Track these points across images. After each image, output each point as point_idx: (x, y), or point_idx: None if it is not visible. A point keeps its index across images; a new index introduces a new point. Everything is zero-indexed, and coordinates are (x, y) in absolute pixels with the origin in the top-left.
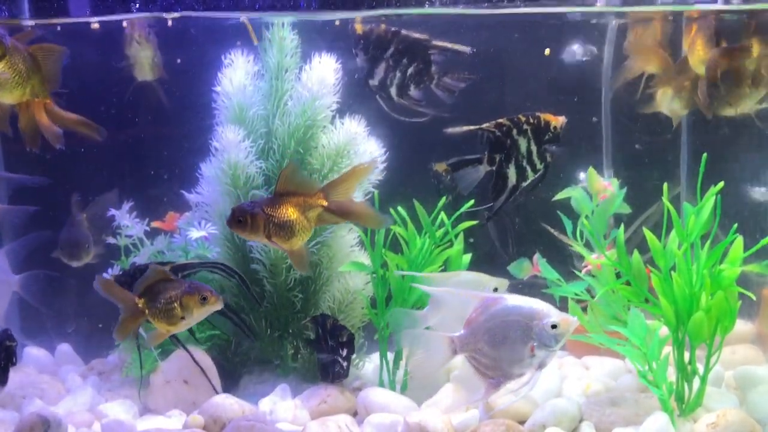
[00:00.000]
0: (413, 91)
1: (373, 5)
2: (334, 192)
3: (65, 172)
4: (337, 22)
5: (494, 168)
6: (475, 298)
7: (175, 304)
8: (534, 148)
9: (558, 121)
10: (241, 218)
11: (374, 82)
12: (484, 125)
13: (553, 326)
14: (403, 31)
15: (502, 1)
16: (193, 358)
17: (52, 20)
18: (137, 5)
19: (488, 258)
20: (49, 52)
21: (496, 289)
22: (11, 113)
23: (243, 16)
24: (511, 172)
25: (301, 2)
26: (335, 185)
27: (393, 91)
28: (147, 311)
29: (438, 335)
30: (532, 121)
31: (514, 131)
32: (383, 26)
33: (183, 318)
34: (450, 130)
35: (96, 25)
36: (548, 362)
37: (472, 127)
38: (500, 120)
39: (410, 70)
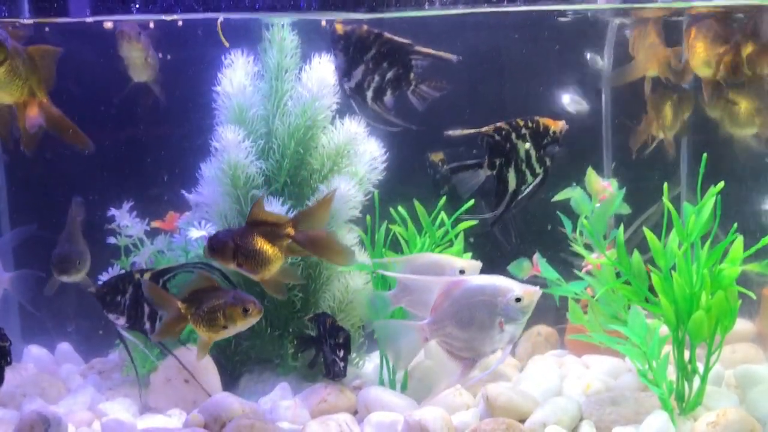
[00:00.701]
0: (388, 97)
1: (373, 6)
2: (305, 222)
3: (64, 172)
4: (323, 22)
5: (494, 172)
6: (437, 283)
7: (219, 314)
8: (533, 152)
9: (558, 125)
10: (213, 247)
11: (350, 84)
12: (483, 129)
13: (518, 299)
14: (386, 34)
15: (502, 1)
16: (181, 363)
17: (51, 20)
18: (137, 5)
19: (488, 258)
20: (46, 53)
21: (462, 271)
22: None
23: (220, 17)
24: (511, 177)
25: (301, 2)
26: (305, 215)
27: (369, 94)
28: (190, 317)
29: (407, 324)
30: (531, 125)
31: (513, 135)
32: (365, 27)
33: (225, 327)
34: (450, 132)
35: (109, 24)
36: (518, 335)
37: (471, 130)
38: (499, 124)
39: (389, 75)
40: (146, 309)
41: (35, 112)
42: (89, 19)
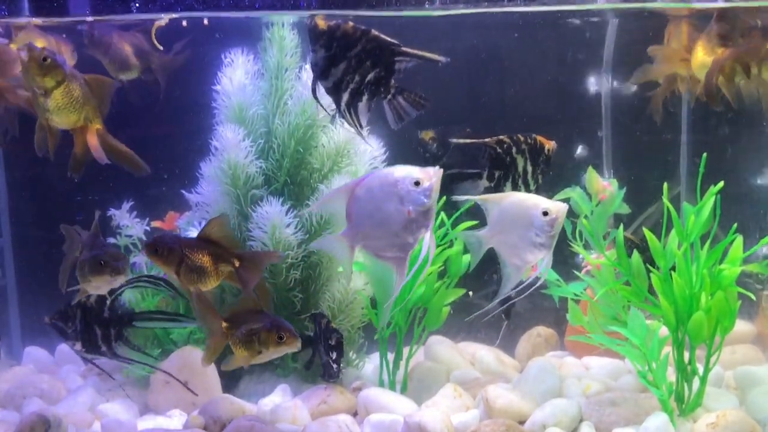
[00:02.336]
0: (363, 105)
1: (373, 5)
2: (249, 261)
3: (64, 171)
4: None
5: (492, 184)
6: (341, 191)
7: (254, 337)
8: (530, 168)
9: (550, 144)
10: (158, 249)
11: (327, 83)
12: (487, 140)
13: (416, 183)
14: (373, 31)
15: (503, 1)
16: (169, 374)
17: (51, 19)
18: (137, 4)
19: (489, 257)
20: (103, 83)
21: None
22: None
23: (165, 17)
24: (507, 190)
25: (301, 2)
26: (253, 256)
27: (345, 97)
28: (230, 337)
29: (330, 237)
30: (529, 141)
31: (514, 149)
32: (351, 23)
33: (260, 352)
34: (454, 141)
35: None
36: (429, 221)
37: (476, 141)
38: (501, 137)
39: (370, 76)
40: (98, 332)
41: (94, 141)
42: (89, 18)
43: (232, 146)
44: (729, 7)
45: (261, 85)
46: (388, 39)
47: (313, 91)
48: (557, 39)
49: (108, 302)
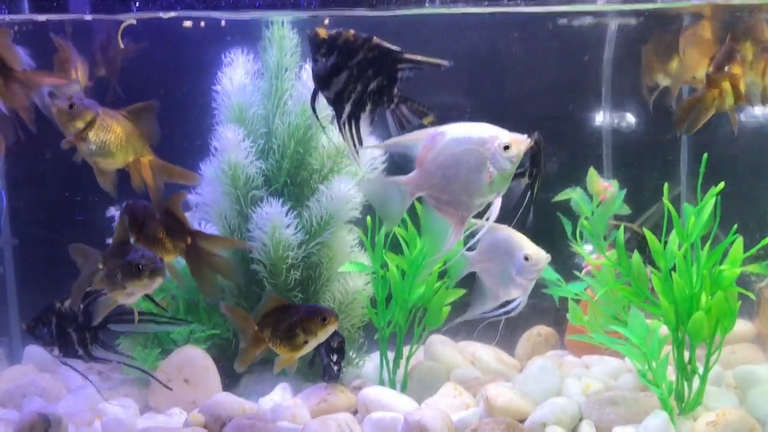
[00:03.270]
0: (365, 116)
1: (373, 4)
2: (205, 242)
3: (64, 171)
4: (326, 21)
5: (530, 182)
6: (420, 136)
7: (298, 330)
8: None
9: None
10: (129, 213)
11: (329, 94)
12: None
13: (506, 147)
14: (375, 39)
15: (503, 0)
16: (159, 381)
17: (51, 16)
18: (137, 3)
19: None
20: (141, 110)
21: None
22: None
23: (132, 19)
24: (537, 187)
25: (301, 1)
26: (208, 237)
27: (347, 107)
28: (268, 339)
29: (392, 179)
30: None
31: (542, 146)
32: (352, 31)
33: (306, 342)
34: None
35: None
36: (505, 187)
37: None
38: (534, 136)
39: (372, 85)
40: (74, 336)
41: (148, 175)
42: (88, 17)
43: (232, 146)
44: (727, 5)
45: (261, 85)
46: (391, 46)
47: (312, 101)
48: (557, 39)
49: (82, 306)
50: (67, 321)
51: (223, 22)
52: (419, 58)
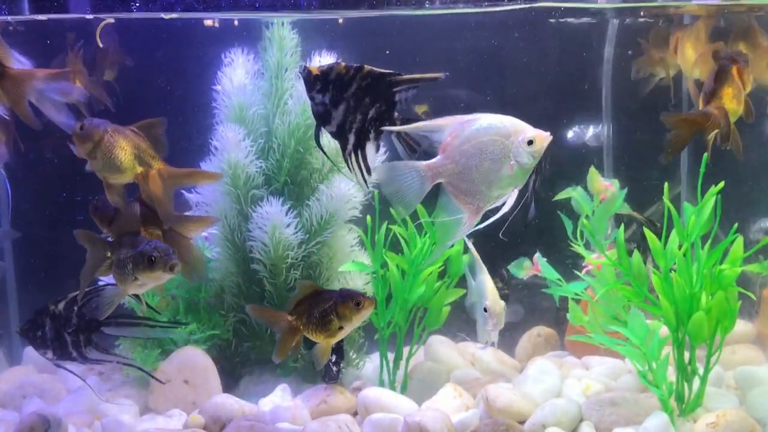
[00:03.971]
0: (370, 144)
1: (374, 4)
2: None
3: (64, 171)
4: (340, 20)
5: (537, 175)
6: (448, 122)
7: (332, 315)
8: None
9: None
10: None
11: (332, 128)
12: None
13: (530, 142)
14: (366, 66)
15: (503, 0)
16: (156, 379)
17: (51, 16)
18: (137, 3)
19: (489, 257)
20: (151, 124)
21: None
22: None
23: (109, 19)
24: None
25: (301, 2)
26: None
27: (351, 139)
28: (302, 327)
29: (413, 163)
30: None
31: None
32: (342, 63)
33: (341, 327)
34: None
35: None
36: (523, 182)
37: None
38: None
39: (371, 112)
40: (69, 339)
41: (155, 187)
42: (89, 16)
43: (232, 146)
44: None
45: (261, 84)
46: (383, 70)
47: (316, 138)
48: (558, 38)
49: (76, 309)
50: (61, 323)
51: (235, 22)
52: (414, 76)
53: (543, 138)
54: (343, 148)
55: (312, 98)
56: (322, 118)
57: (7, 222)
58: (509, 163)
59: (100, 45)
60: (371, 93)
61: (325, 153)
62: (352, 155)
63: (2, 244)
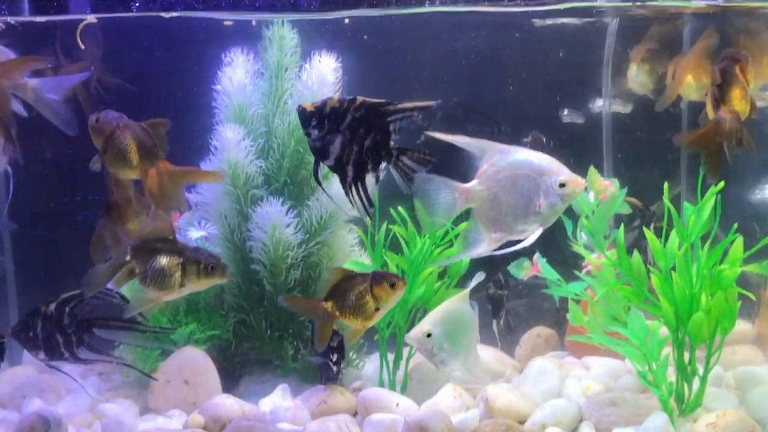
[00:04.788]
0: (370, 175)
1: (374, 4)
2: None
3: (64, 171)
4: (346, 20)
5: None
6: (489, 147)
7: (367, 298)
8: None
9: None
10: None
11: (330, 162)
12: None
13: (561, 185)
14: (359, 97)
15: (502, 0)
16: (150, 376)
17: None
18: (137, 4)
19: (488, 257)
20: (155, 124)
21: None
22: None
23: (91, 17)
24: None
25: (301, 2)
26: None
27: (350, 171)
28: (338, 313)
29: (450, 182)
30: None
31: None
32: (336, 97)
33: (377, 309)
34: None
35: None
36: (550, 222)
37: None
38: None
39: (367, 142)
40: (60, 339)
41: (153, 184)
42: (88, 16)
43: (232, 146)
44: (729, 6)
45: (261, 84)
46: (376, 100)
47: (315, 174)
48: (558, 38)
49: (67, 310)
50: (53, 324)
51: (253, 21)
52: (407, 106)
53: (577, 183)
54: (343, 181)
55: (308, 134)
56: (320, 153)
57: (4, 215)
58: (538, 201)
59: (81, 46)
60: (366, 124)
61: (324, 189)
62: (352, 187)
63: (2, 242)
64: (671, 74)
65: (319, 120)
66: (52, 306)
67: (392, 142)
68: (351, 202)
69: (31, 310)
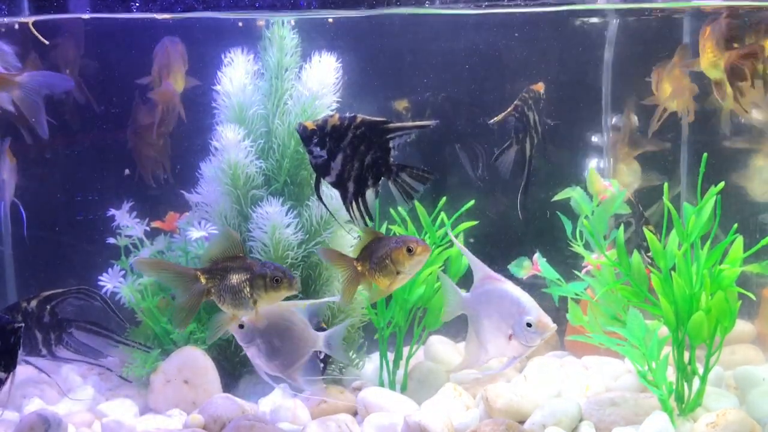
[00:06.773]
0: (369, 191)
1: (373, 4)
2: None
3: (65, 171)
4: (330, 19)
5: (518, 146)
6: (483, 271)
7: (387, 261)
8: (537, 117)
9: (540, 87)
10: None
11: (331, 178)
12: (509, 110)
13: (528, 324)
14: (359, 115)
15: (502, 1)
16: (125, 378)
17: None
18: (137, 3)
19: (488, 257)
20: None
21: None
22: None
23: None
24: (527, 145)
25: (301, 2)
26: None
27: (351, 187)
28: (367, 273)
29: (458, 292)
30: (529, 93)
31: (525, 108)
32: (336, 115)
33: (398, 273)
34: (492, 120)
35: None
36: (521, 357)
37: (501, 115)
38: (516, 103)
39: (368, 159)
40: (39, 336)
41: None
42: (86, 16)
43: (232, 146)
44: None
45: (261, 85)
46: (376, 118)
47: (317, 189)
48: (558, 38)
49: (48, 308)
50: (33, 320)
51: (261, 22)
52: (406, 125)
53: (544, 325)
54: (344, 197)
55: (310, 152)
56: (322, 170)
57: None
58: (509, 329)
59: (45, 41)
60: (366, 140)
61: (325, 205)
62: (353, 203)
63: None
64: (654, 85)
65: (320, 138)
66: (33, 303)
67: (392, 159)
68: (351, 217)
69: (11, 304)
